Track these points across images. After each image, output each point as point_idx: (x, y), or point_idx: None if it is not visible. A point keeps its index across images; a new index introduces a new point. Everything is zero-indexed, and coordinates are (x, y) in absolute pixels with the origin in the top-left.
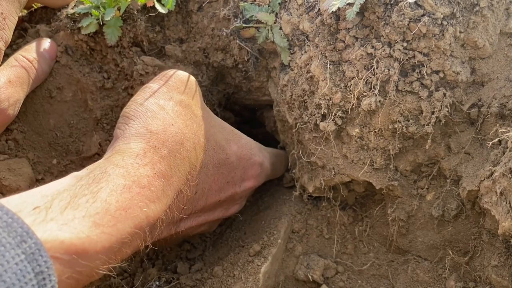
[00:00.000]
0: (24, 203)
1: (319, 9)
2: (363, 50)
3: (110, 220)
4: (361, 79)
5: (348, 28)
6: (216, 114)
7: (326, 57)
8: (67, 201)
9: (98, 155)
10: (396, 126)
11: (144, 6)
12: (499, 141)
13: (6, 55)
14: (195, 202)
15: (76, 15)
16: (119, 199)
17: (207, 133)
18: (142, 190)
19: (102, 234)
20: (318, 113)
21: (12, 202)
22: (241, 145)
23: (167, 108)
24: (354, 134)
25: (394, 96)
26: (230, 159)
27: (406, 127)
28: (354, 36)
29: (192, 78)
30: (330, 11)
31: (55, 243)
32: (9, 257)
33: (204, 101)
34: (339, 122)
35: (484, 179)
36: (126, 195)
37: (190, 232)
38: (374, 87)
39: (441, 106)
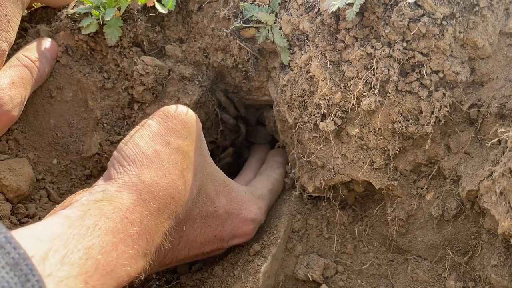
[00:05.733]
0: None
1: (319, 9)
2: (363, 50)
3: (99, 279)
4: (360, 79)
5: (348, 28)
6: (216, 114)
7: (326, 57)
8: (62, 253)
9: (98, 154)
10: (395, 126)
11: (144, 6)
12: (499, 141)
13: (8, 56)
14: (176, 253)
15: (76, 15)
16: (107, 259)
17: (200, 183)
18: (127, 248)
19: None
20: (318, 113)
21: None
22: (230, 198)
23: (162, 155)
24: (354, 134)
25: (393, 96)
26: (218, 212)
27: (405, 127)
28: (354, 36)
29: (194, 118)
30: (330, 11)
31: None
32: None
33: (204, 101)
34: (339, 122)
35: (484, 179)
36: (113, 254)
37: None
38: (373, 87)
39: (440, 106)
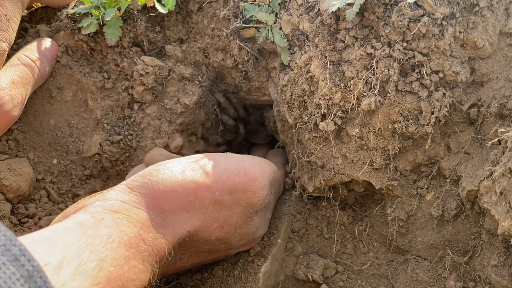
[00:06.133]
0: (35, 254)
1: (319, 9)
2: (363, 50)
3: None
4: (360, 79)
5: (348, 28)
6: (216, 114)
7: (326, 57)
8: (76, 263)
9: (98, 154)
10: (395, 126)
11: (144, 6)
12: (499, 141)
13: (7, 56)
14: (178, 266)
15: (76, 15)
16: (119, 272)
17: (224, 236)
18: (137, 263)
19: None
20: (318, 113)
21: None
22: (251, 237)
23: (198, 196)
24: (354, 134)
25: (393, 96)
26: (231, 248)
27: (405, 127)
28: (354, 36)
29: (266, 192)
30: (330, 11)
31: None
32: None
33: (204, 101)
34: (339, 122)
35: (484, 179)
36: (125, 268)
37: None
38: (373, 87)
39: (440, 106)
